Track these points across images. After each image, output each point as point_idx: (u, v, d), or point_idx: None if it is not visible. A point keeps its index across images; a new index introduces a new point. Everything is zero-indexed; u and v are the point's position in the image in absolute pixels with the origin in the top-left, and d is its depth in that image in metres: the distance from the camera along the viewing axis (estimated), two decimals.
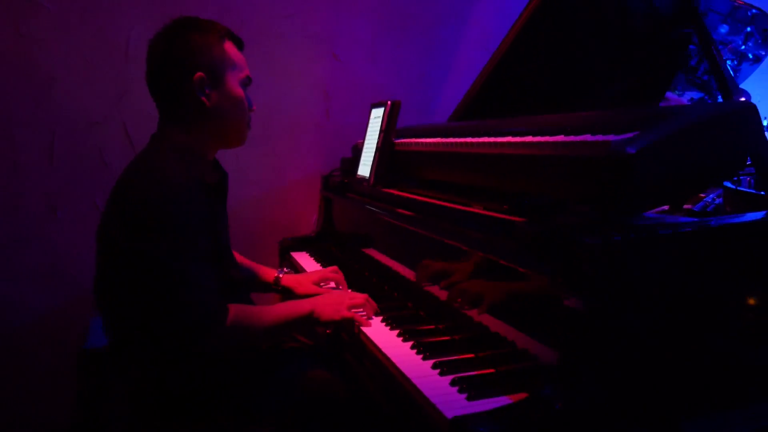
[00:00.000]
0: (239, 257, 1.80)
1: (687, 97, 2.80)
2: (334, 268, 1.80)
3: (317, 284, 1.76)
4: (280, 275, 1.79)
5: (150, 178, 1.27)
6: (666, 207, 1.25)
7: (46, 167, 2.25)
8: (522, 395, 1.01)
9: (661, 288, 0.93)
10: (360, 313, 1.45)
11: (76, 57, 2.24)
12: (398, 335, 1.34)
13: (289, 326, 1.43)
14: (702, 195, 1.42)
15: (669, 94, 2.54)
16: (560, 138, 1.16)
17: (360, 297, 1.49)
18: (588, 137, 1.08)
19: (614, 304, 0.89)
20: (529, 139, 1.25)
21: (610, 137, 1.02)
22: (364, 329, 1.40)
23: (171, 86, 1.37)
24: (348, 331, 1.46)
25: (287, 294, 1.78)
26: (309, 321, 1.42)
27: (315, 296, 1.50)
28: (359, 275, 1.89)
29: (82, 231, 2.19)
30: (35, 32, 2.18)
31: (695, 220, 1.04)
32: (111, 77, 2.29)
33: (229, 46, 1.42)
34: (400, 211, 1.63)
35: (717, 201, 1.43)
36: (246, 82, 1.46)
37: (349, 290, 1.53)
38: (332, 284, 1.77)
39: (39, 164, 2.24)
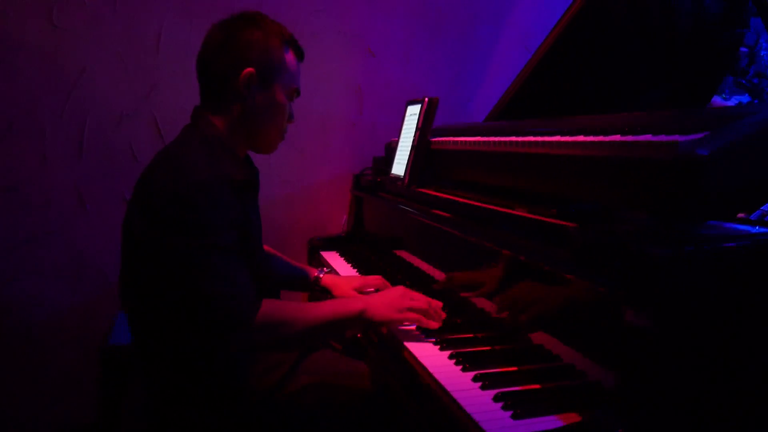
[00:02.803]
0: (275, 253, 1.76)
1: (734, 101, 2.68)
2: (379, 277, 1.70)
3: (358, 290, 1.67)
4: (320, 275, 1.74)
5: (176, 170, 1.22)
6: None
7: (75, 160, 2.23)
8: (572, 415, 0.94)
9: (737, 305, 0.84)
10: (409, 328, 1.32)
11: (108, 49, 2.22)
12: (435, 343, 1.26)
13: (334, 326, 1.30)
14: None
15: (715, 98, 2.43)
16: (616, 138, 1.08)
17: (421, 298, 1.33)
18: (649, 137, 0.99)
19: (684, 321, 0.81)
20: (580, 138, 1.17)
21: (676, 137, 0.94)
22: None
23: (219, 74, 1.34)
24: (399, 357, 1.29)
25: (324, 294, 1.72)
26: (359, 322, 1.30)
27: (367, 294, 1.39)
28: (391, 278, 1.82)
29: (111, 226, 2.16)
30: (68, 24, 2.16)
31: None
32: (142, 69, 2.26)
33: (289, 55, 1.39)
34: (436, 212, 1.56)
35: None
36: (293, 95, 1.43)
37: (409, 290, 1.38)
38: (372, 290, 1.69)
39: (68, 157, 2.22)
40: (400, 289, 1.36)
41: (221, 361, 1.28)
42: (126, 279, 1.30)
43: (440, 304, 1.35)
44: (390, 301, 1.31)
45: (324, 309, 1.30)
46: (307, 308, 1.30)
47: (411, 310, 1.30)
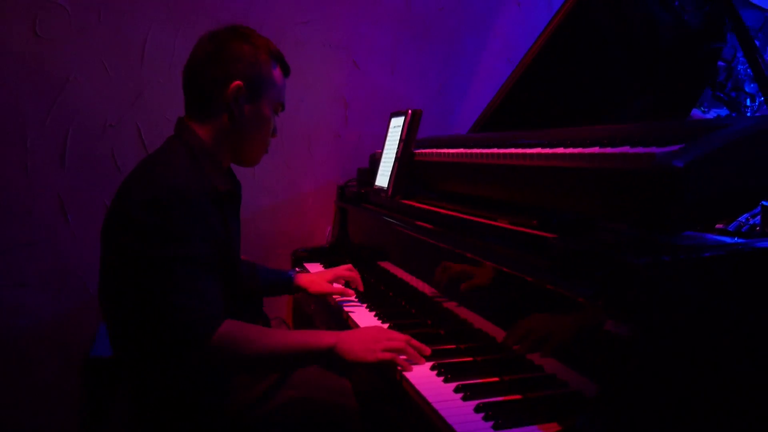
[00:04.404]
0: (257, 264, 1.76)
1: (713, 114, 2.72)
2: (349, 266, 1.75)
3: (331, 283, 1.71)
4: (293, 275, 1.75)
5: (155, 177, 1.22)
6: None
7: (57, 170, 2.21)
8: (553, 425, 0.95)
9: (714, 313, 0.86)
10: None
11: (92, 58, 2.21)
12: None
13: (299, 357, 1.26)
14: None
15: (694, 111, 2.47)
16: (595, 150, 1.09)
17: (399, 339, 1.25)
18: (627, 149, 1.01)
19: (662, 329, 0.82)
20: (560, 150, 1.19)
21: (653, 149, 0.95)
22: None
23: (207, 86, 1.34)
24: (387, 376, 1.24)
25: (301, 293, 1.75)
26: (328, 356, 1.24)
27: (342, 330, 1.32)
28: (374, 289, 1.83)
29: (93, 236, 2.12)
30: (52, 33, 2.15)
31: (746, 240, 0.97)
32: (126, 79, 2.25)
33: (277, 70, 1.41)
34: (419, 223, 1.57)
35: (752, 221, 1.35)
36: (278, 109, 1.44)
37: (389, 329, 1.34)
38: (343, 283, 1.74)
39: (51, 167, 2.20)
40: (375, 329, 1.31)
41: (195, 374, 1.25)
42: (103, 288, 1.29)
43: (423, 347, 1.25)
44: (365, 340, 1.24)
45: (291, 338, 1.27)
46: (273, 334, 1.26)
47: (387, 350, 1.22)
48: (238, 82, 1.32)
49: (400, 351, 1.23)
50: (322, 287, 1.71)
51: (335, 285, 1.74)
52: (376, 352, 1.21)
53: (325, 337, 1.25)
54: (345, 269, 1.75)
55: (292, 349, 1.24)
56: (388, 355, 1.21)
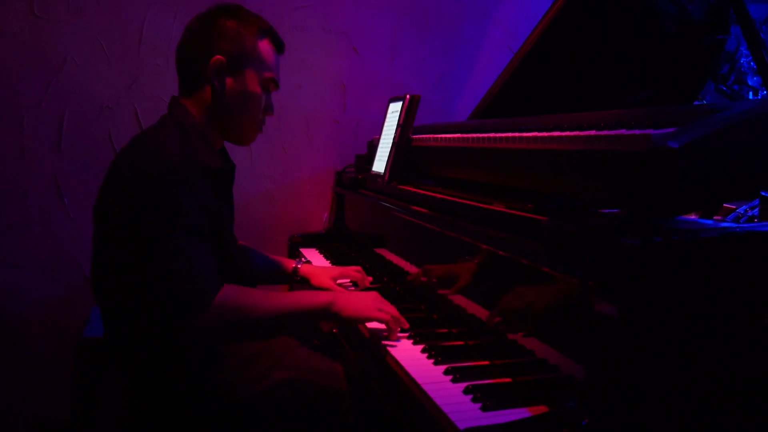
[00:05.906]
0: (255, 250, 1.76)
1: None
2: (358, 268, 1.72)
3: (335, 280, 1.68)
4: (299, 265, 1.74)
5: (148, 152, 1.23)
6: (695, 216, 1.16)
7: (53, 152, 2.20)
8: (541, 408, 0.94)
9: (704, 296, 0.84)
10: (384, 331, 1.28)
11: (90, 39, 2.19)
12: (408, 337, 1.26)
13: (298, 317, 1.28)
14: (733, 206, 1.33)
15: (696, 104, 2.45)
16: (592, 132, 1.08)
17: (391, 307, 1.31)
18: (623, 131, 1.00)
19: (653, 311, 0.81)
20: (557, 133, 1.18)
21: (649, 131, 0.94)
22: (369, 326, 1.31)
23: (191, 62, 1.35)
24: (377, 357, 1.26)
25: (304, 284, 1.73)
26: (325, 315, 1.28)
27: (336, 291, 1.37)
28: (370, 275, 1.81)
29: (88, 218, 2.13)
30: (50, 13, 2.14)
31: (740, 225, 0.95)
32: (124, 61, 2.24)
33: (265, 45, 1.39)
34: (415, 208, 1.55)
35: (750, 213, 1.34)
36: (268, 84, 1.41)
37: (382, 299, 1.36)
38: (348, 282, 1.70)
39: (47, 149, 2.19)
40: (374, 294, 1.35)
41: (190, 351, 1.25)
42: (96, 265, 1.29)
43: (406, 325, 1.31)
44: (361, 299, 1.31)
45: (289, 298, 1.29)
46: (272, 296, 1.28)
47: (381, 310, 1.28)
48: (218, 57, 1.32)
49: (391, 315, 1.28)
50: (324, 282, 1.67)
51: (339, 282, 1.69)
52: (373, 310, 1.27)
53: (322, 296, 1.31)
54: (353, 270, 1.71)
55: (291, 308, 1.27)
56: (384, 315, 1.26)
